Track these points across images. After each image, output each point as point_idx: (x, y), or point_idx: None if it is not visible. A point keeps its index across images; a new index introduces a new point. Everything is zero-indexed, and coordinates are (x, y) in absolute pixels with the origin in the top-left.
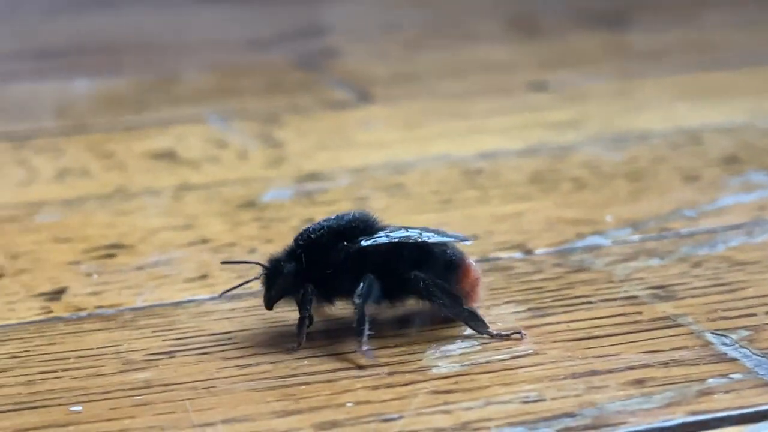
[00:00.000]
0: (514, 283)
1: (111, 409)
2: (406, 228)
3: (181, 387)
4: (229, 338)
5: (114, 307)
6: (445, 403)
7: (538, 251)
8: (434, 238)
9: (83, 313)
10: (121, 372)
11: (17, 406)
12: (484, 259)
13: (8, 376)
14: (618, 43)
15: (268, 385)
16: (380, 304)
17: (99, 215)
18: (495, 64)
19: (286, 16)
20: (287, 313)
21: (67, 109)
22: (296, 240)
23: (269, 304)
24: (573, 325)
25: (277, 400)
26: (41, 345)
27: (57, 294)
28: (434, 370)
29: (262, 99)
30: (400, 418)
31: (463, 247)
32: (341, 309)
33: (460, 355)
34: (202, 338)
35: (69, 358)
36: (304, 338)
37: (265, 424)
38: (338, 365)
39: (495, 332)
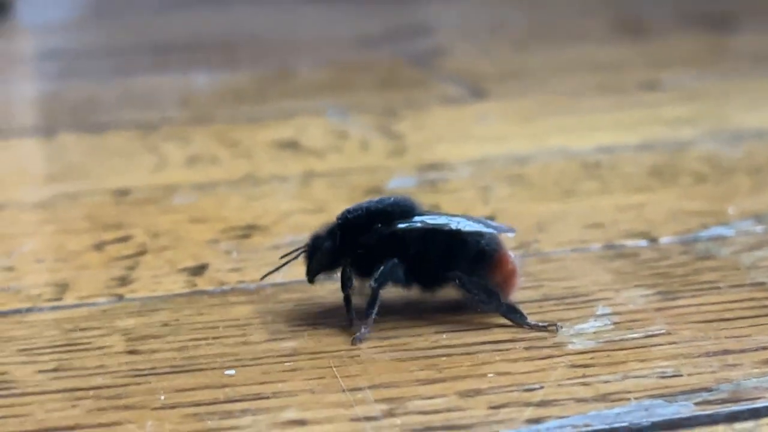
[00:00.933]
0: (641, 269)
1: (263, 373)
2: (448, 215)
3: (326, 355)
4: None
5: (255, 282)
6: (584, 376)
7: (663, 240)
8: (469, 227)
9: (227, 287)
10: (268, 341)
11: (173, 369)
12: (609, 246)
13: (162, 342)
14: (724, 45)
15: (410, 356)
16: (410, 289)
17: (232, 199)
18: (603, 63)
19: (393, 15)
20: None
21: (189, 100)
22: (337, 218)
23: (310, 277)
24: (703, 308)
25: (420, 370)
26: (190, 315)
27: (199, 269)
28: (570, 347)
29: (377, 94)
30: (541, 388)
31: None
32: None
33: (594, 333)
34: (343, 312)
35: (218, 327)
36: (354, 314)
37: (411, 391)
38: (476, 339)
39: (533, 323)
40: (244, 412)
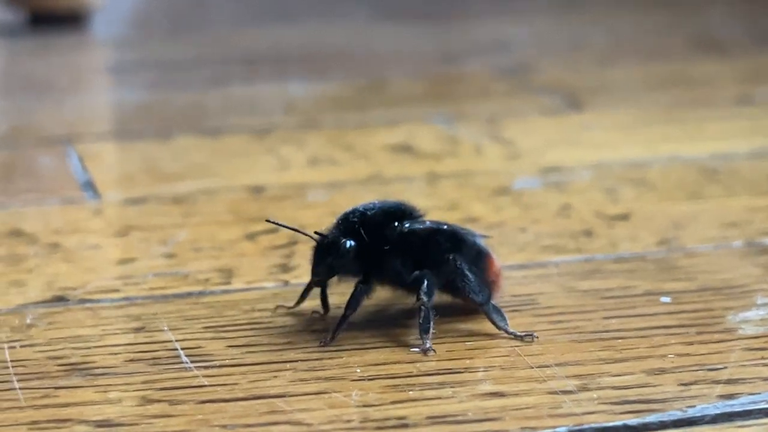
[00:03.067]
0: None
1: (448, 351)
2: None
3: (503, 336)
4: (531, 299)
5: None
6: (763, 358)
7: None
8: (463, 229)
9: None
10: (443, 322)
11: (361, 346)
12: (751, 244)
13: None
14: None
15: (586, 338)
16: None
17: (364, 196)
18: (690, 78)
19: (470, 32)
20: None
21: (292, 108)
22: (347, 218)
23: (321, 277)
24: None
25: (600, 350)
26: None
27: None
28: (740, 332)
29: (475, 104)
30: (725, 368)
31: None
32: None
33: (760, 320)
34: (505, 299)
35: (388, 310)
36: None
37: (597, 369)
38: (646, 324)
39: (511, 331)
40: (441, 384)
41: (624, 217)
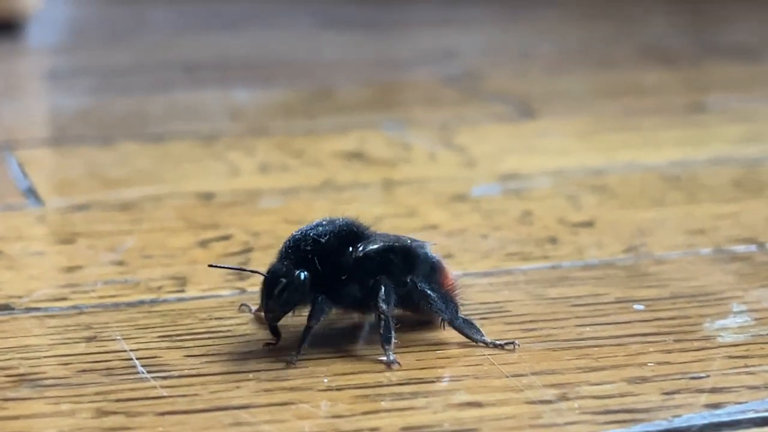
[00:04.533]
0: (762, 270)
1: (417, 360)
2: (380, 233)
3: (475, 345)
4: (500, 307)
5: None
6: (746, 366)
7: None
8: (414, 242)
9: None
10: (411, 331)
11: (327, 355)
12: (719, 251)
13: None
14: (755, 73)
15: (560, 347)
16: (366, 311)
17: (318, 203)
18: (641, 87)
19: (416, 41)
20: (544, 288)
21: (238, 114)
22: (297, 247)
23: (275, 316)
24: None
25: (577, 358)
26: None
27: None
28: (720, 339)
29: (425, 111)
30: (708, 376)
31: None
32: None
33: (738, 327)
34: (474, 306)
35: (353, 318)
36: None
37: (575, 377)
38: (622, 332)
39: (490, 341)
40: (414, 394)
41: (588, 224)
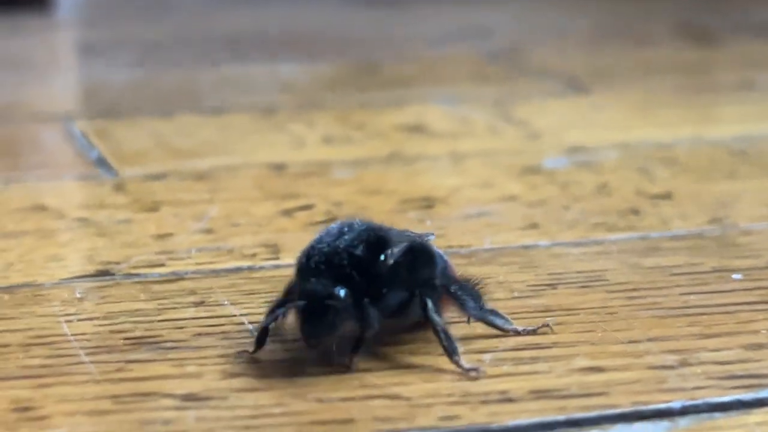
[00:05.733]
0: None
1: (530, 326)
2: (397, 230)
3: (582, 311)
4: (598, 276)
5: (465, 247)
6: None
7: None
8: (425, 237)
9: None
10: (514, 298)
11: None
12: None
13: None
14: None
15: (669, 314)
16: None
17: (391, 174)
18: (685, 64)
19: (447, 18)
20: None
21: (290, 88)
22: (330, 261)
23: (326, 338)
24: None
25: (688, 326)
26: None
27: None
28: None
29: (476, 86)
30: None
31: None
32: None
33: None
34: (572, 275)
35: None
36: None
37: (691, 344)
38: (727, 300)
39: (521, 329)
40: (534, 359)
41: (666, 196)
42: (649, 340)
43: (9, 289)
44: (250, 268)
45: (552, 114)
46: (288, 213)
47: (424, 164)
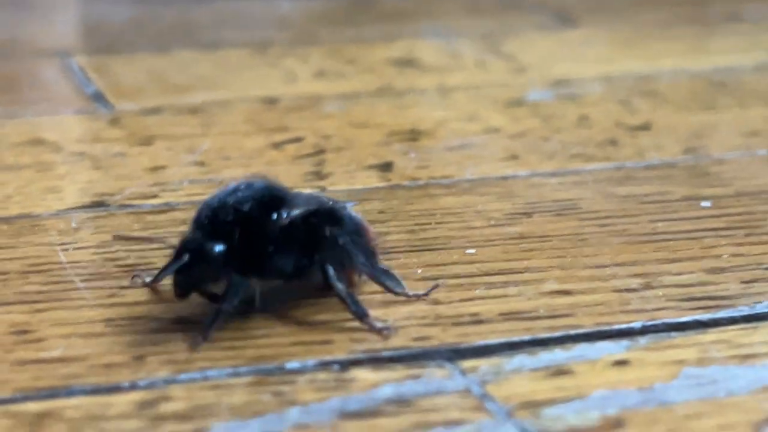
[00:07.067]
0: None
1: (503, 252)
2: (302, 194)
3: (553, 238)
4: (573, 204)
5: (446, 178)
6: None
7: None
8: (338, 203)
9: (420, 182)
10: (491, 226)
11: (414, 248)
12: None
13: (388, 227)
14: None
15: (637, 240)
16: (291, 280)
17: (379, 107)
18: None
19: None
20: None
21: (285, 24)
22: (215, 215)
23: (189, 290)
24: None
25: (654, 251)
26: (399, 204)
27: (387, 166)
28: None
29: (468, 20)
30: None
31: None
32: None
33: None
34: (547, 203)
35: (435, 214)
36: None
37: (655, 268)
38: (694, 226)
39: (412, 293)
40: (505, 284)
41: (645, 127)
42: (616, 264)
43: (8, 219)
44: None
45: (540, 48)
46: (278, 146)
47: (413, 98)
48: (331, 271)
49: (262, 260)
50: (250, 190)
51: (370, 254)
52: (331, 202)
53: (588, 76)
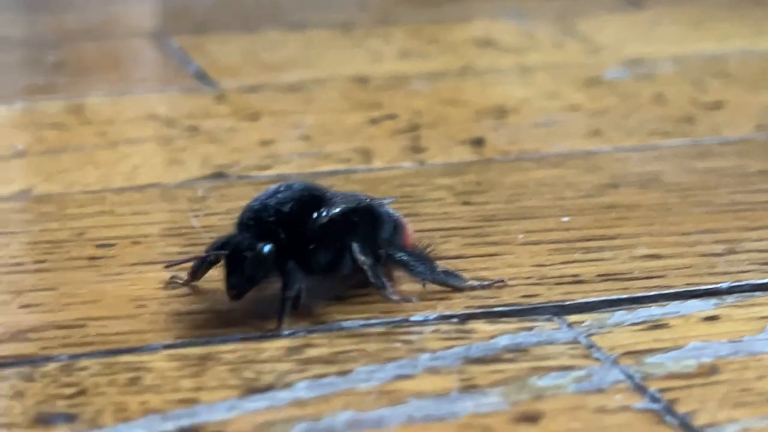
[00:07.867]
0: None
1: (595, 220)
2: (341, 192)
3: (640, 207)
4: (655, 176)
5: (536, 152)
6: None
7: None
8: (375, 200)
9: (512, 156)
10: (581, 197)
11: (513, 216)
12: None
13: (488, 197)
14: None
15: (718, 210)
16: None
17: (465, 86)
18: None
19: None
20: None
21: (366, 5)
22: (258, 217)
23: (244, 290)
24: None
25: (734, 220)
26: (500, 177)
27: (479, 141)
28: None
29: (538, 1)
30: None
31: None
32: None
33: None
34: (632, 176)
35: (528, 186)
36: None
37: (737, 235)
38: (757, 199)
39: (477, 283)
40: (600, 248)
41: (718, 105)
42: (701, 232)
43: (140, 188)
44: (347, 171)
45: (611, 28)
46: (375, 122)
47: (495, 77)
48: (356, 247)
49: (305, 257)
50: (290, 191)
51: (423, 257)
52: (368, 200)
53: (660, 56)
